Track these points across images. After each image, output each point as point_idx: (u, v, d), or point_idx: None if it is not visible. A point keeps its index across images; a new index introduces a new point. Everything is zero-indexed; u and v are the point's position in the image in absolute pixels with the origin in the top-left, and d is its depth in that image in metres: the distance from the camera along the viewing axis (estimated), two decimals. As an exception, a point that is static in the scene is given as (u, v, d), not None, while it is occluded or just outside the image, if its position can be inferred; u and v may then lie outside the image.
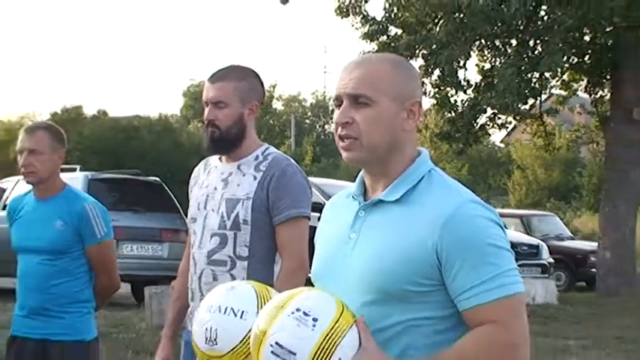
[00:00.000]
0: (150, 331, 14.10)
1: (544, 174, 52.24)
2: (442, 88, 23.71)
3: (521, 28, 23.08)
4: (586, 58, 24.39)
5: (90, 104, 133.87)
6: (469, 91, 24.06)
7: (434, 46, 22.71)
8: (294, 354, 2.82)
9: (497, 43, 23.59)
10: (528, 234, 26.70)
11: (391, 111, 3.04)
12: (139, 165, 31.22)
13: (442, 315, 2.98)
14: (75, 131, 40.10)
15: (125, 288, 17.09)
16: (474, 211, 2.98)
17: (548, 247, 25.61)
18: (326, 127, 76.05)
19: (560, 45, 21.78)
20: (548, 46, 21.72)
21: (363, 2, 23.61)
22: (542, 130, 26.22)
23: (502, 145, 62.05)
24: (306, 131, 69.78)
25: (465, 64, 23.48)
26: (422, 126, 28.23)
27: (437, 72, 23.24)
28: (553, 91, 26.40)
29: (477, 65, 24.67)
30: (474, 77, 25.77)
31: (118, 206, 17.22)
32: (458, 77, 23.44)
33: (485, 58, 24.41)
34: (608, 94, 24.67)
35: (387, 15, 23.62)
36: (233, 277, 4.64)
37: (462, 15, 22.48)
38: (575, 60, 24.21)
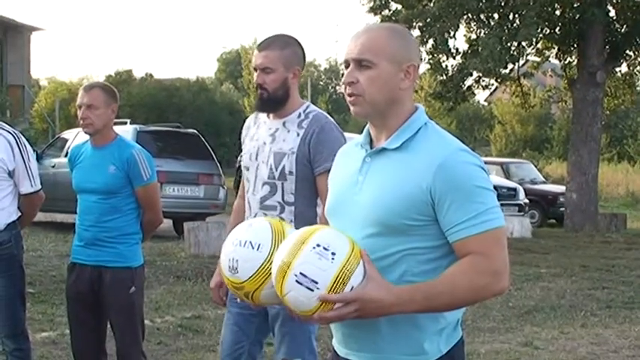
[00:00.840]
0: (188, 260, 14.17)
1: (521, 128, 52.04)
2: (435, 55, 23.64)
3: (502, 3, 23.02)
4: (557, 29, 24.34)
5: (138, 68, 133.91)
6: (458, 58, 24.01)
7: (428, 20, 22.63)
8: (316, 282, 2.82)
9: (481, 16, 23.50)
10: (507, 178, 26.64)
11: (389, 71, 3.04)
12: (179, 119, 31.34)
13: (434, 245, 2.98)
14: (125, 91, 40.04)
15: (167, 223, 17.14)
16: (462, 157, 2.98)
17: (524, 189, 25.59)
18: (337, 88, 75.91)
19: (535, 18, 21.75)
20: (525, 19, 21.69)
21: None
22: (519, 90, 26.18)
23: (486, 104, 61.73)
24: (320, 91, 69.59)
25: (454, 35, 23.47)
26: (417, 87, 28.17)
27: (431, 41, 23.15)
28: (529, 57, 26.30)
29: (464, 35, 24.66)
30: (462, 46, 25.72)
31: (161, 154, 17.24)
32: (448, 46, 23.44)
33: (471, 29, 24.34)
34: (575, 60, 24.58)
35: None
36: (282, 220, 4.65)
37: (452, -8, 22.43)
38: (548, 31, 24.18)
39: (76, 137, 18.07)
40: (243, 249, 3.12)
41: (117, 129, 5.98)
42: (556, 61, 26.36)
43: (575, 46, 24.33)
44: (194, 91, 46.49)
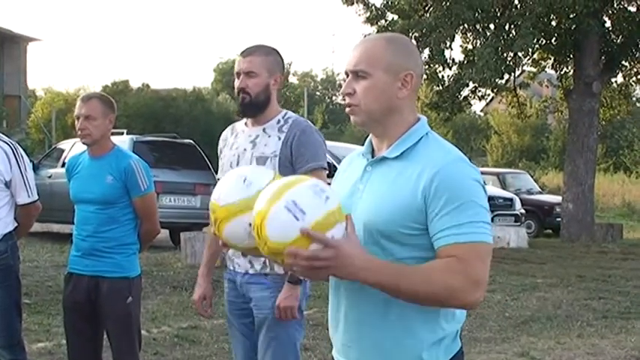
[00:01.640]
0: (184, 270, 14.16)
1: (517, 138, 52.11)
2: (431, 65, 23.61)
3: (499, 14, 23.02)
4: (553, 40, 24.37)
5: (135, 78, 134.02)
6: (454, 68, 24.02)
7: (424, 30, 22.59)
8: (304, 214, 2.79)
9: (477, 27, 23.51)
10: (504, 189, 26.71)
11: (385, 81, 3.06)
12: (175, 129, 31.37)
13: (426, 256, 2.95)
14: (122, 101, 40.08)
15: (164, 233, 17.13)
16: (461, 168, 2.97)
17: (520, 199, 25.66)
18: (333, 98, 76.01)
19: (531, 29, 21.72)
20: (521, 30, 21.66)
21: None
22: (515, 100, 26.24)
23: (482, 114, 61.82)
24: (316, 102, 69.68)
25: (450, 45, 23.44)
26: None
27: (427, 51, 23.12)
28: (525, 67, 26.37)
29: (460, 46, 24.70)
30: (458, 56, 25.75)
31: (158, 164, 17.25)
32: (444, 56, 23.40)
33: (467, 39, 24.41)
34: (571, 71, 24.64)
35: (385, 2, 23.56)
36: None
37: (448, 3, 22.45)
38: (544, 41, 24.19)
39: (72, 147, 18.12)
40: (234, 182, 3.09)
41: (113, 139, 5.99)
42: (552, 72, 26.40)
43: (571, 56, 24.37)
44: (190, 102, 46.55)
